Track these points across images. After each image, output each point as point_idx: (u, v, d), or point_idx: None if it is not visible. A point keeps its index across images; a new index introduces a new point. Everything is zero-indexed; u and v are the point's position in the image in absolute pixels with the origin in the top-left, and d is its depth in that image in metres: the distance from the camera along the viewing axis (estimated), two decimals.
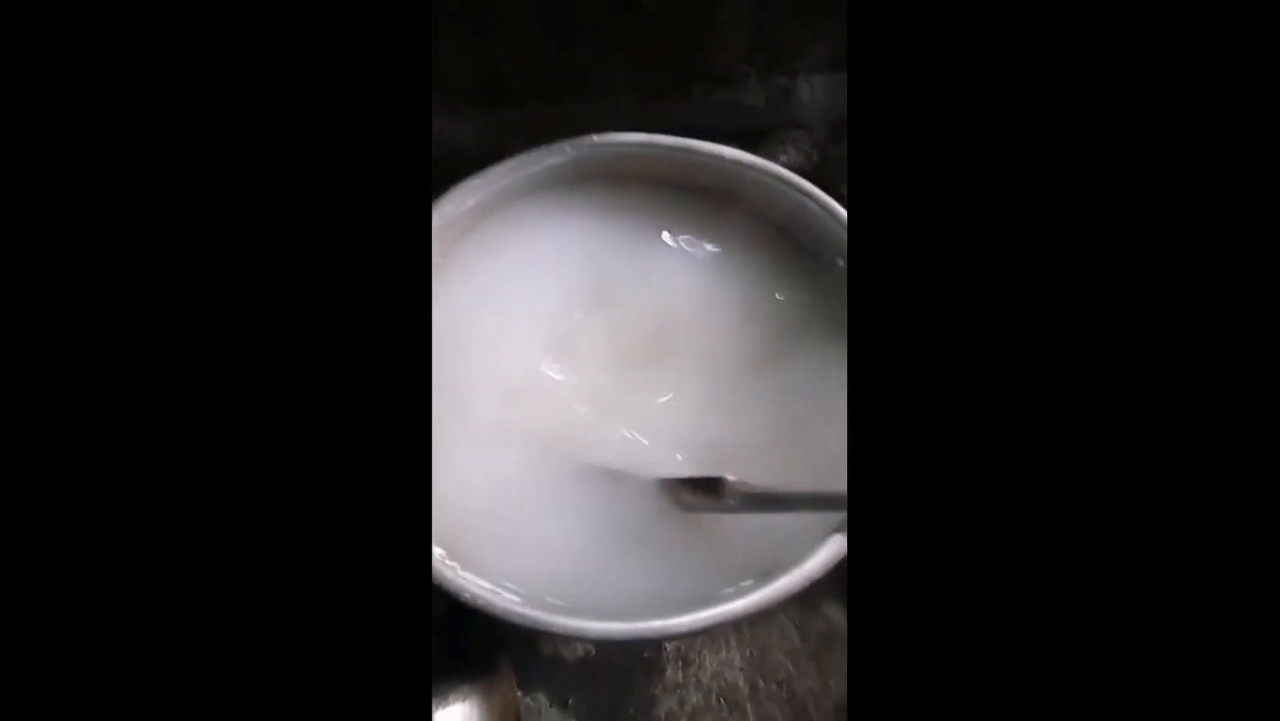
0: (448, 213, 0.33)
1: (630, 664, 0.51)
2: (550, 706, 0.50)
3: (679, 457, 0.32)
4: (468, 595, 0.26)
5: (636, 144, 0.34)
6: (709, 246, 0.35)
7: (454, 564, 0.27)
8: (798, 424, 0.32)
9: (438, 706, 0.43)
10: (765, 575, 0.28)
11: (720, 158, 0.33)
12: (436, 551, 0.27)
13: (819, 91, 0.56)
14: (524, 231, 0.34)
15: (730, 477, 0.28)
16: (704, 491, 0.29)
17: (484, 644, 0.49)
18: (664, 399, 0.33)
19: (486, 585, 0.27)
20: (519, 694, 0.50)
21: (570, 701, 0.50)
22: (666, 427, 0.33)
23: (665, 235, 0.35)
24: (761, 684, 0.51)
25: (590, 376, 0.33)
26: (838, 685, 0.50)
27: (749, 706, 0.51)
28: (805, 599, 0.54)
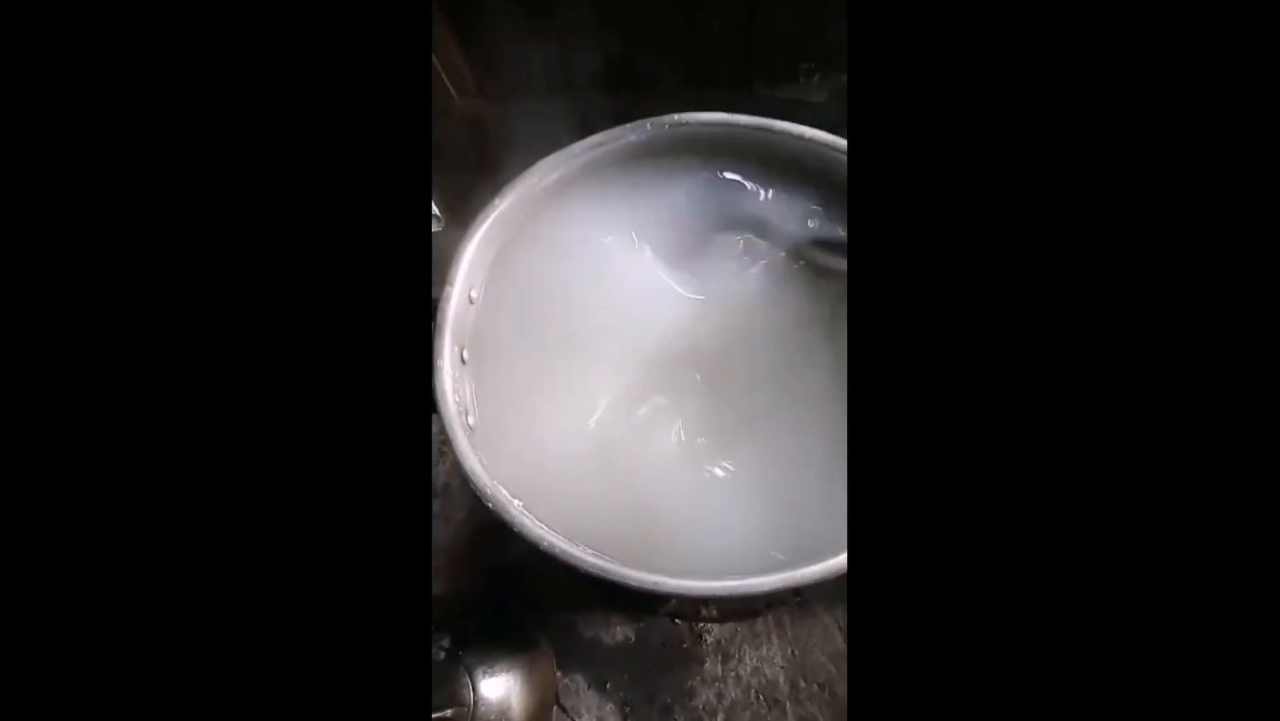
0: (531, 184, 0.35)
1: (669, 653, 0.51)
2: (588, 688, 0.50)
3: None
4: (545, 544, 0.27)
5: (716, 123, 0.35)
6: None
7: (531, 514, 0.28)
8: None
9: (485, 676, 0.44)
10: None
11: (800, 137, 0.34)
12: (515, 503, 0.28)
13: None
14: (610, 201, 0.35)
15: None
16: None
17: (526, 624, 0.50)
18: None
19: (562, 536, 0.27)
20: (558, 674, 0.50)
21: (608, 685, 0.50)
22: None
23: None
24: (803, 683, 0.51)
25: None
26: None
27: (789, 705, 0.50)
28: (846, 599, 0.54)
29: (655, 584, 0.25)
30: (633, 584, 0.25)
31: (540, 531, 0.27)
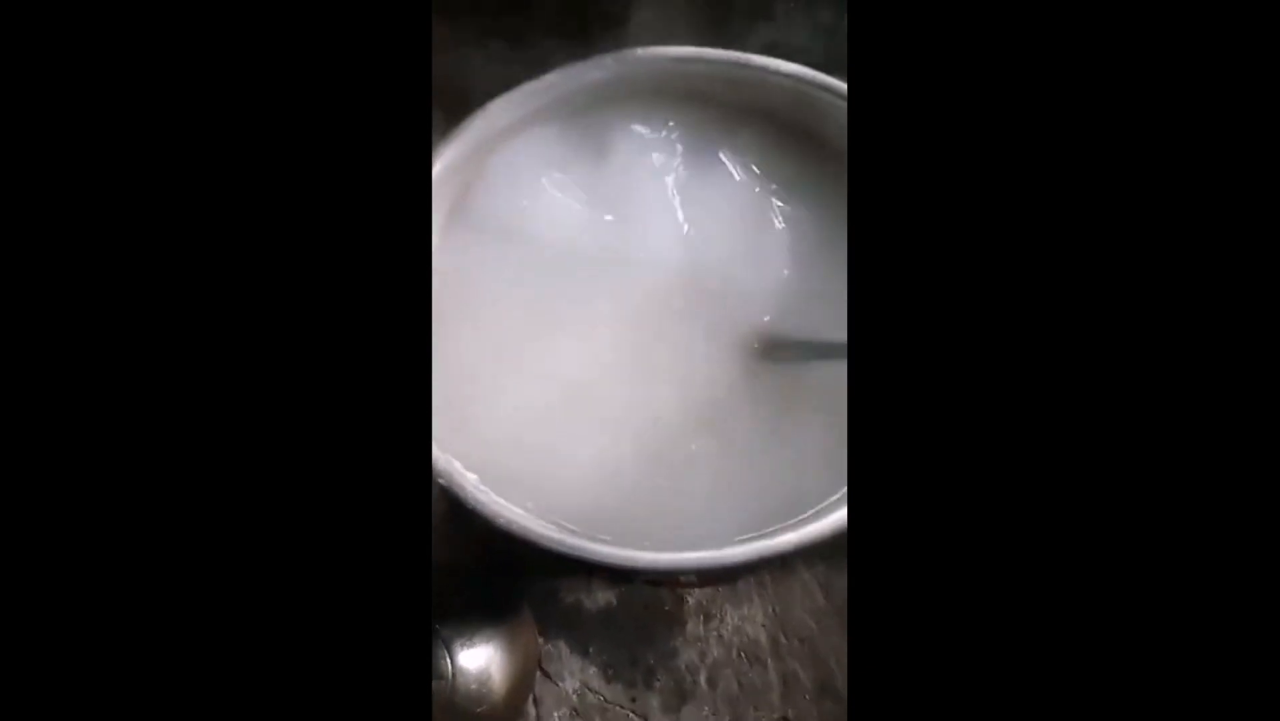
0: (480, 129, 0.32)
1: (651, 615, 0.51)
2: (571, 654, 0.50)
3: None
4: (502, 520, 0.25)
5: (683, 58, 0.32)
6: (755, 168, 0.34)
7: (487, 488, 0.26)
8: None
9: (463, 647, 0.43)
10: (809, 514, 0.27)
11: (776, 72, 0.31)
12: (470, 477, 0.26)
13: None
14: (571, 146, 0.32)
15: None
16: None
17: (508, 591, 0.49)
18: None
19: (520, 511, 0.26)
20: (540, 640, 0.50)
21: (590, 650, 0.50)
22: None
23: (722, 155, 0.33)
24: (784, 640, 0.51)
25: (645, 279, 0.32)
26: None
27: (770, 661, 0.50)
28: (829, 557, 0.54)
29: (626, 559, 0.24)
30: (603, 559, 0.24)
31: (497, 506, 0.26)
